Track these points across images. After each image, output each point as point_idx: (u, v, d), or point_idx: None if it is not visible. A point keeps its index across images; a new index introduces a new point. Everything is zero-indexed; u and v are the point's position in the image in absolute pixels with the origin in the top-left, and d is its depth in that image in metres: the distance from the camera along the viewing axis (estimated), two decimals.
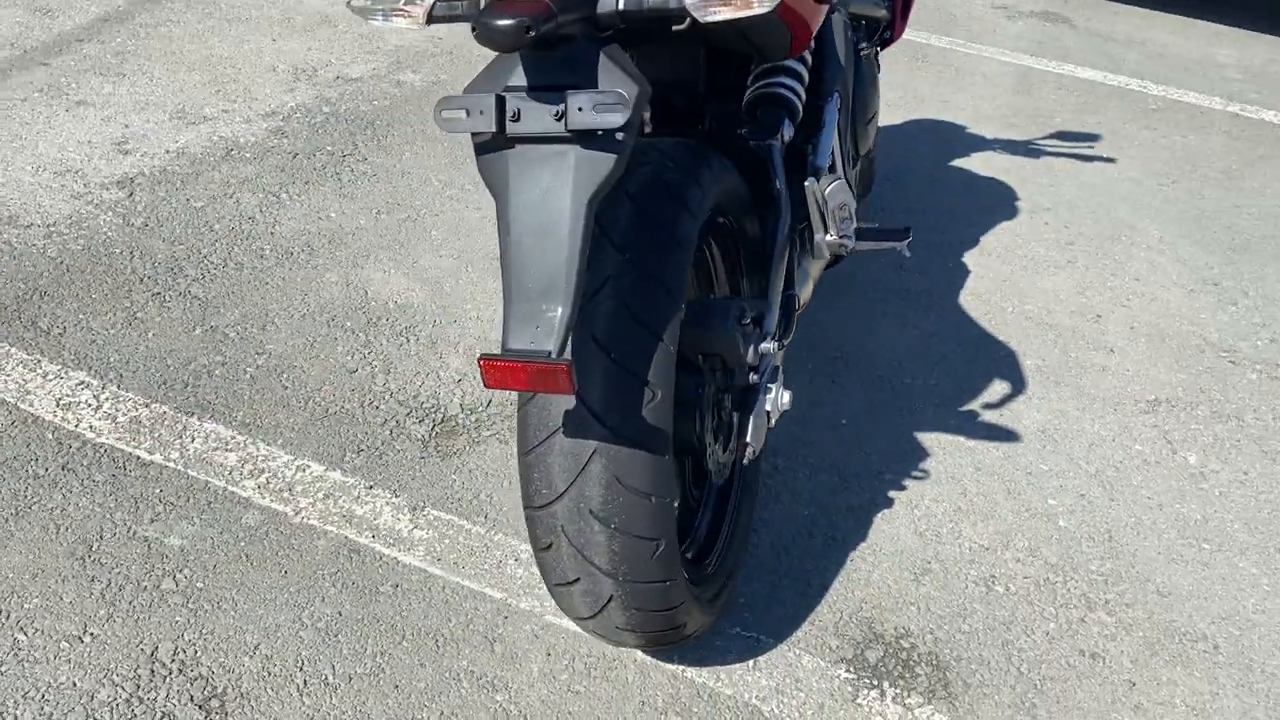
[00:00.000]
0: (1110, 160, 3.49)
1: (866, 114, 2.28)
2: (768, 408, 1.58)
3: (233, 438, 2.00)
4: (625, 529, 1.33)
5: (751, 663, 1.69)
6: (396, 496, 1.91)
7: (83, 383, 2.09)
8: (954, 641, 1.76)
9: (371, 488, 1.93)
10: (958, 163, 3.35)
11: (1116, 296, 2.76)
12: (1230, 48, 4.65)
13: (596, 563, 1.36)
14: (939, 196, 3.14)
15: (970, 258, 2.86)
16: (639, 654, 1.67)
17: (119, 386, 2.09)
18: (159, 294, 2.35)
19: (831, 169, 1.87)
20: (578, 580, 1.39)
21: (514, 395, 2.16)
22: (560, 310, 1.18)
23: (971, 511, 2.03)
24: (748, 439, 1.55)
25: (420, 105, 3.28)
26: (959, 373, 2.40)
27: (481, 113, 1.19)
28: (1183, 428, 2.32)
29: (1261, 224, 3.20)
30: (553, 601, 1.68)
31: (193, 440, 1.99)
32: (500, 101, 1.18)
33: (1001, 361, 2.46)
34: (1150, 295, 2.78)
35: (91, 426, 1.99)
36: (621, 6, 1.23)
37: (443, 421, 2.10)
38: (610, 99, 1.14)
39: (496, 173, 1.22)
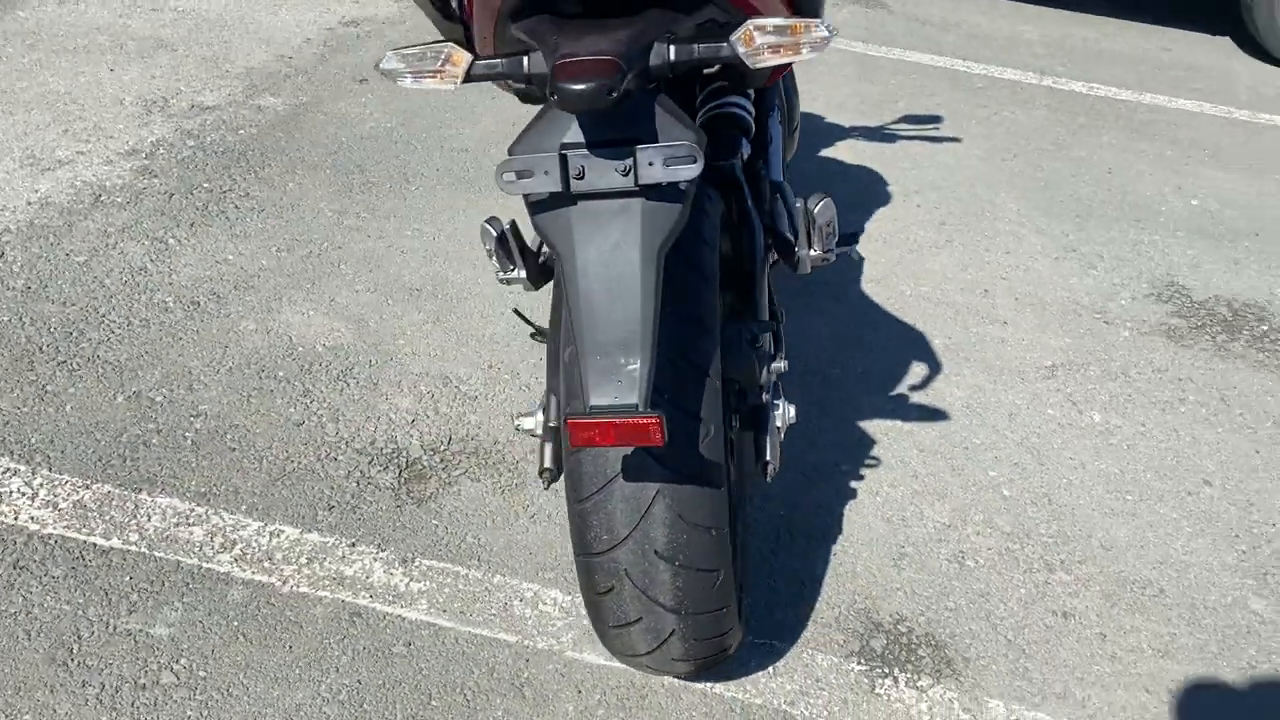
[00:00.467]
0: (957, 140, 3.72)
1: (792, 123, 2.36)
2: (778, 424, 1.63)
3: (192, 510, 1.89)
4: (689, 564, 1.36)
5: (771, 669, 1.75)
6: (382, 551, 1.86)
7: (8, 470, 1.92)
8: (944, 620, 1.88)
9: (354, 545, 1.87)
10: (826, 152, 3.50)
11: (995, 271, 2.96)
12: (1031, 25, 5.02)
13: (661, 600, 1.38)
14: (821, 187, 3.27)
15: (860, 245, 3.00)
16: (666, 679, 1.70)
17: (50, 469, 1.93)
18: (64, 362, 2.18)
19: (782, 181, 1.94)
20: (639, 620, 1.41)
21: (480, 431, 2.14)
22: (640, 363, 1.19)
23: (927, 492, 2.15)
24: (768, 457, 1.60)
25: (290, 131, 3.15)
26: (881, 358, 2.53)
27: (546, 173, 1.18)
28: (1081, 389, 2.53)
29: (1097, 190, 3.50)
30: (567, 637, 1.69)
31: (149, 518, 1.87)
32: (563, 160, 1.18)
33: (915, 343, 2.61)
34: (1023, 267, 3.00)
35: (33, 517, 1.84)
36: (673, 58, 1.24)
37: (408, 466, 2.05)
38: (681, 152, 1.16)
39: (559, 229, 1.21)
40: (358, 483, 2.00)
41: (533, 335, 2.39)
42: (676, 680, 1.70)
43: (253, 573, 1.79)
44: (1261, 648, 1.89)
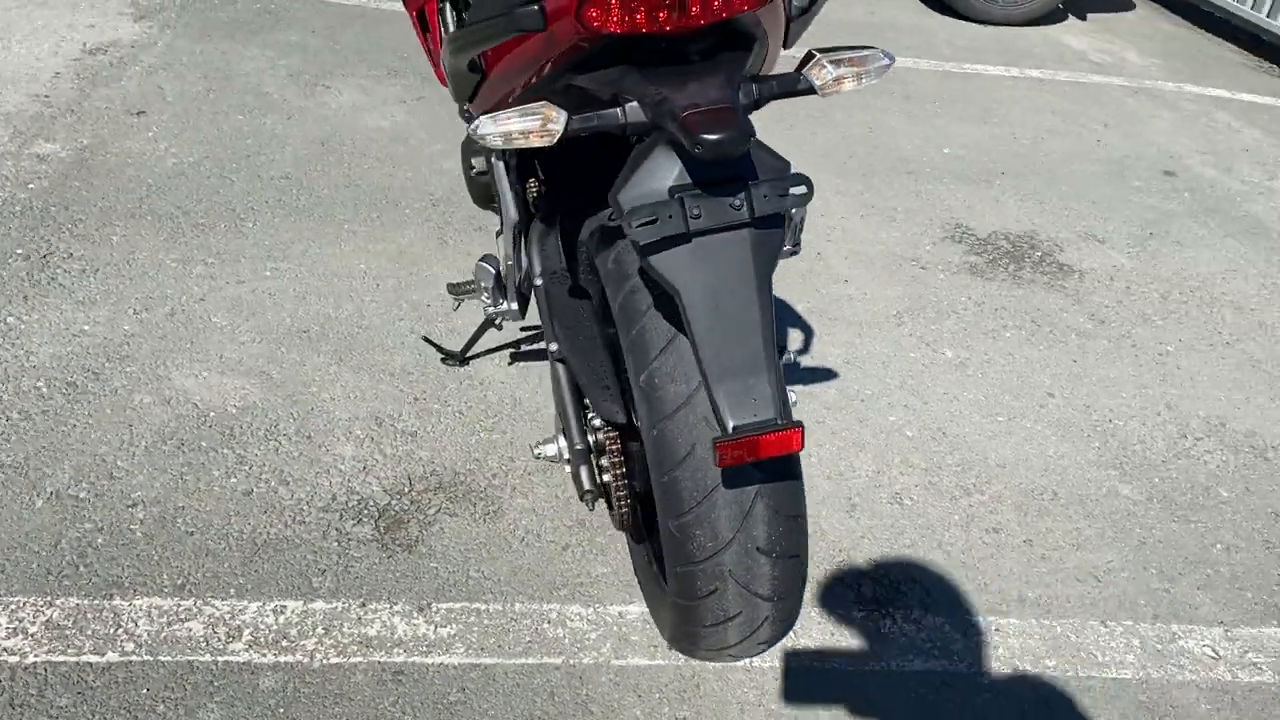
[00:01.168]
0: None
1: None
2: None
3: (179, 605, 1.77)
4: (785, 553, 1.47)
5: (792, 634, 1.90)
6: (395, 604, 1.83)
7: None
8: (907, 556, 2.10)
9: (364, 604, 1.82)
10: None
11: (821, 232, 3.24)
12: None
13: (760, 592, 1.48)
14: None
15: None
16: (710, 665, 1.81)
17: None
18: None
19: None
20: (738, 614, 1.51)
21: (436, 466, 2.12)
22: (768, 380, 1.29)
23: (849, 446, 2.37)
24: None
25: (87, 179, 2.87)
26: None
27: (670, 217, 1.24)
28: (928, 330, 2.84)
29: (868, 149, 3.87)
30: (606, 647, 1.76)
31: (136, 623, 1.73)
32: (680, 202, 1.24)
33: (784, 311, 2.82)
34: (840, 227, 3.30)
35: (6, 649, 1.65)
36: (756, 96, 1.33)
37: (381, 515, 2.00)
38: (792, 182, 1.25)
39: (677, 267, 1.27)
40: (338, 541, 1.93)
41: (443, 360, 2.39)
42: (717, 665, 1.81)
43: (274, 655, 1.71)
44: (1142, 524, 2.27)
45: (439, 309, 2.59)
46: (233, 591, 1.81)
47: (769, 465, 1.42)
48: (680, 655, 1.80)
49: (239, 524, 1.94)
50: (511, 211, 1.96)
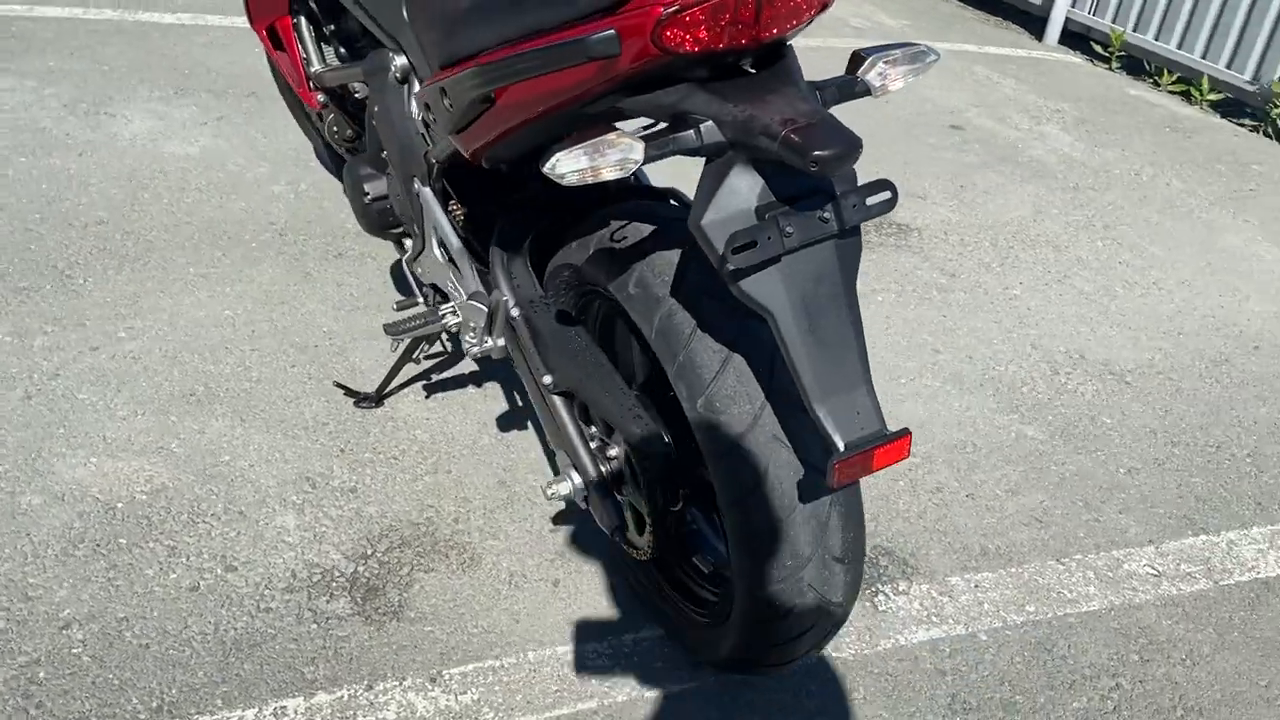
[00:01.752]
0: None
1: None
2: None
3: None
4: (855, 558, 1.46)
5: None
6: (404, 680, 1.68)
7: None
8: (877, 531, 2.15)
9: (371, 686, 1.66)
10: None
11: None
12: None
13: (834, 599, 1.46)
14: None
15: None
16: (741, 675, 1.77)
17: None
18: None
19: None
20: (813, 626, 1.48)
21: (390, 520, 1.96)
22: (866, 391, 1.26)
23: None
24: None
25: None
26: None
27: (769, 239, 1.18)
28: None
29: None
30: (633, 678, 1.71)
31: None
32: (776, 222, 1.18)
33: None
34: None
35: None
36: (823, 101, 1.28)
37: (352, 585, 1.83)
38: (878, 187, 1.22)
39: (768, 290, 1.21)
40: (316, 623, 1.75)
41: (357, 404, 2.21)
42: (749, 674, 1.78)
43: None
44: (1055, 462, 2.42)
45: (329, 349, 2.38)
46: (219, 702, 1.59)
47: None
48: (711, 672, 1.76)
49: (198, 624, 1.71)
50: (453, 239, 1.84)
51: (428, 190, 1.86)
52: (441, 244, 1.88)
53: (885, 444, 1.24)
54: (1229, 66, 5.00)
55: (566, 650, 1.77)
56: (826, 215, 1.22)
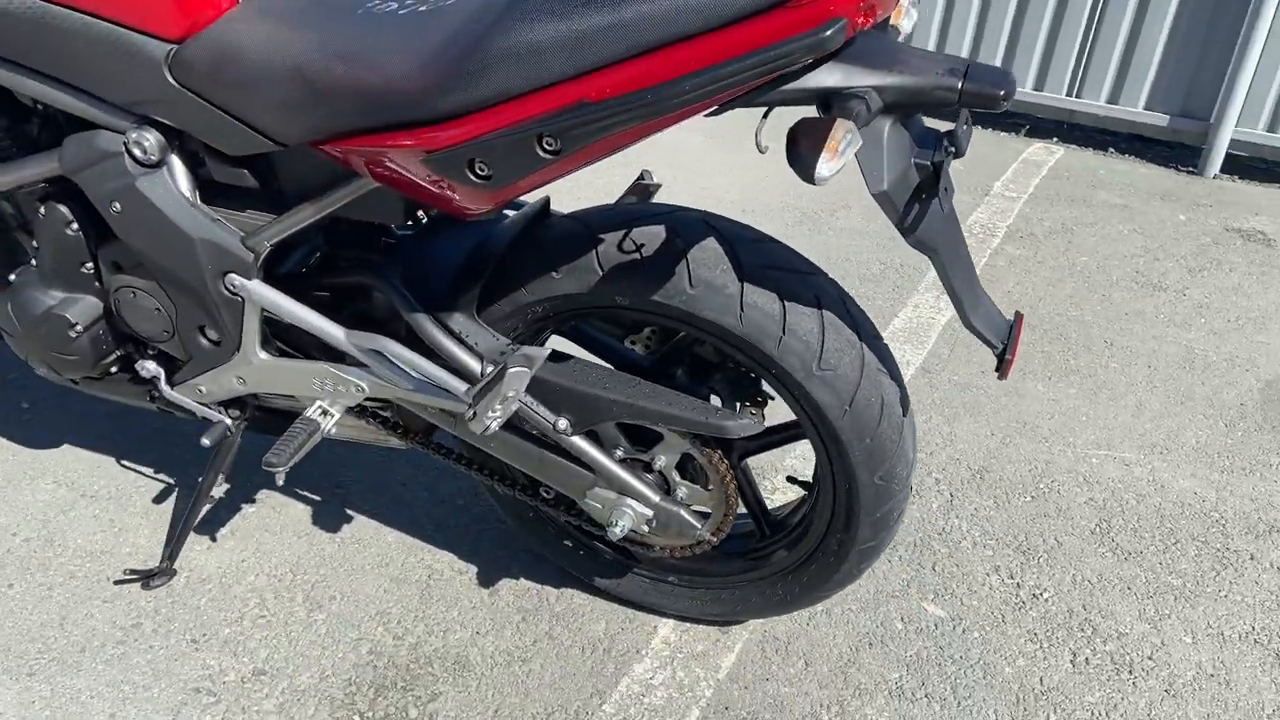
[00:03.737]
0: None
1: None
2: None
3: None
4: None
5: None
6: None
7: None
8: None
9: None
10: None
11: None
12: None
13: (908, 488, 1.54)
14: None
15: None
16: (800, 646, 1.75)
17: None
18: None
19: None
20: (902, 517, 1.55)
21: (344, 662, 1.58)
22: (988, 297, 1.36)
23: None
24: None
25: None
26: None
27: (946, 189, 1.20)
28: None
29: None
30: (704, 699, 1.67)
31: None
32: (930, 170, 1.19)
33: None
34: None
35: None
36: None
37: (366, 690, 1.44)
38: (968, 119, 1.27)
39: (930, 233, 1.24)
40: None
41: (149, 586, 1.73)
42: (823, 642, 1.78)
43: None
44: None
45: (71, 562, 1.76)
46: None
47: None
48: (771, 657, 1.70)
49: None
50: (330, 329, 1.51)
51: (255, 283, 1.47)
52: (274, 342, 1.52)
53: (1017, 333, 1.34)
54: None
55: (635, 687, 1.60)
56: (940, 156, 1.24)
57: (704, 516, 1.56)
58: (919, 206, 1.21)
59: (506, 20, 1.15)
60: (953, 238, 1.30)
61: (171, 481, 1.96)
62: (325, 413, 1.57)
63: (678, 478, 1.53)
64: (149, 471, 1.98)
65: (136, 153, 1.42)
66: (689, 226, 1.40)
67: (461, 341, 1.47)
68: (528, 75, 1.14)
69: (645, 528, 1.54)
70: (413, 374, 1.48)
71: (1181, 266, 3.18)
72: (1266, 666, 1.69)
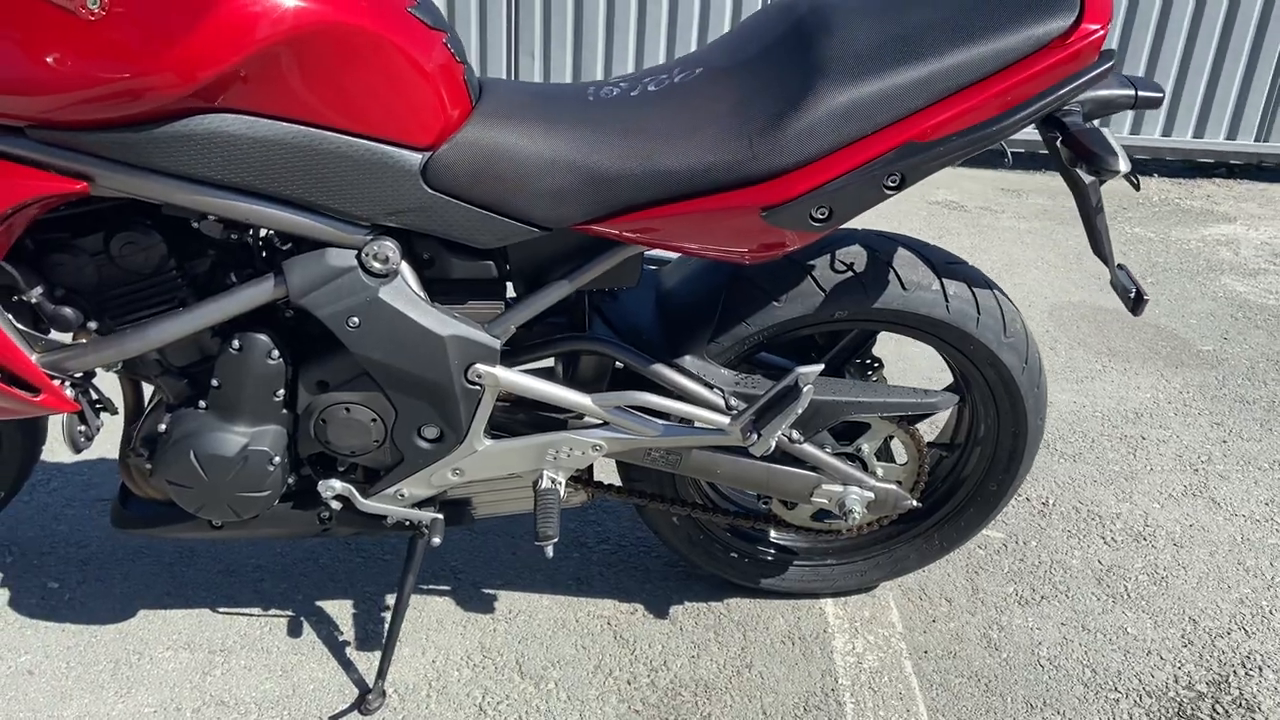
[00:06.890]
0: None
1: None
2: None
3: None
4: None
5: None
6: None
7: None
8: None
9: None
10: None
11: None
12: None
13: None
14: None
15: None
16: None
17: None
18: None
19: None
20: None
21: None
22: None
23: None
24: None
25: None
26: None
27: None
28: None
29: None
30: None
31: None
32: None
33: None
34: None
35: None
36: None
37: None
38: None
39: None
40: None
41: (368, 710, 1.71)
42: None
43: None
44: None
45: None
46: None
47: None
48: (922, 604, 1.98)
49: None
50: (578, 399, 1.64)
51: (500, 369, 1.52)
52: (488, 430, 1.59)
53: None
54: None
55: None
56: None
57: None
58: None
59: (820, 86, 1.36)
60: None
61: (288, 613, 1.84)
62: (554, 481, 1.63)
63: (875, 460, 1.77)
64: (255, 610, 1.85)
65: (375, 265, 1.42)
66: (876, 242, 1.65)
67: (701, 380, 1.61)
68: (856, 128, 1.36)
69: (864, 510, 1.75)
70: (660, 421, 1.61)
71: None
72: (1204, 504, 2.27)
